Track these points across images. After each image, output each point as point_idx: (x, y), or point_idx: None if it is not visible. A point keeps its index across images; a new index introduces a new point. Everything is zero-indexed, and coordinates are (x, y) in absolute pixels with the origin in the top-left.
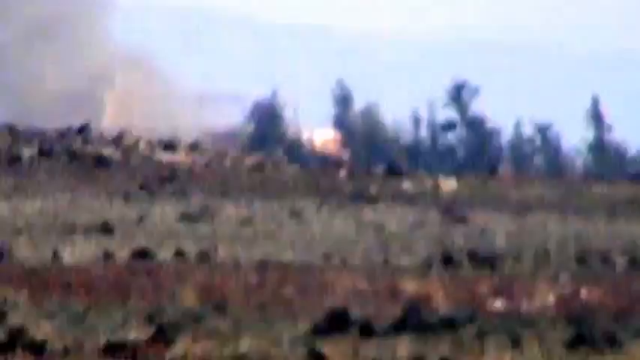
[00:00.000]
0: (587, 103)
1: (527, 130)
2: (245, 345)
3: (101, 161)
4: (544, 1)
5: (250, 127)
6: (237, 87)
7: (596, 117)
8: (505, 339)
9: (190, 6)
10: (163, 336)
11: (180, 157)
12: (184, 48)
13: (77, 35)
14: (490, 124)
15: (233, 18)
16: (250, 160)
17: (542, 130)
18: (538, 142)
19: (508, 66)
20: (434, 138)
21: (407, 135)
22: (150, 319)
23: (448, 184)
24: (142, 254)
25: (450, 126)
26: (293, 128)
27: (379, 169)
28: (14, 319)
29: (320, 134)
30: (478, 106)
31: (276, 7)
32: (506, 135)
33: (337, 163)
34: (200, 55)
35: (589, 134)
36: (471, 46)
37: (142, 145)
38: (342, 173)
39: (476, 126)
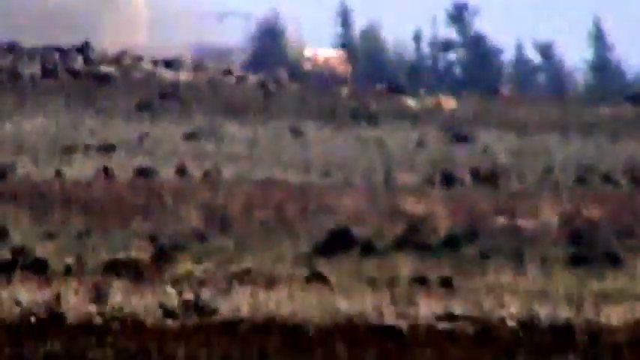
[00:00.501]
0: (589, 22)
1: (529, 50)
2: (247, 264)
3: (102, 80)
4: None
5: (253, 45)
6: (239, 5)
7: (598, 36)
8: (507, 257)
9: None
10: (165, 255)
11: (182, 75)
12: None
13: None
14: (491, 44)
15: None
16: (253, 79)
17: (544, 49)
18: (539, 61)
19: None
20: (435, 56)
21: (409, 53)
22: (152, 238)
23: (449, 103)
24: (144, 172)
25: (449, 46)
26: (295, 47)
27: (381, 87)
28: (16, 238)
29: (322, 52)
30: (479, 25)
31: None
32: (508, 54)
33: (339, 81)
34: None
35: (590, 54)
36: None
37: (143, 64)
38: (344, 91)
39: (477, 45)
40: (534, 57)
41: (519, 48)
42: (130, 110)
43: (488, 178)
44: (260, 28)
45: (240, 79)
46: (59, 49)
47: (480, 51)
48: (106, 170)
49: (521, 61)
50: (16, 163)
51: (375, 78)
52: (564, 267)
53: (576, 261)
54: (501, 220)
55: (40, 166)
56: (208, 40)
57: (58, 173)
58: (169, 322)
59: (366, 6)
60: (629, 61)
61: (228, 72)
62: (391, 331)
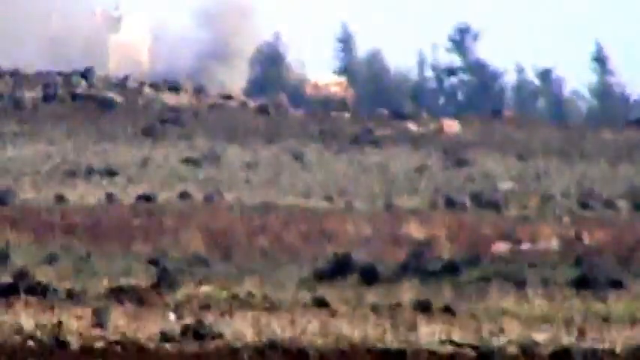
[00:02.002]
0: (588, 47)
1: (530, 74)
2: (249, 288)
3: (104, 104)
4: None
5: (255, 70)
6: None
7: (600, 61)
8: (508, 282)
9: None
10: (166, 279)
11: (184, 99)
12: None
13: None
14: (492, 68)
15: None
16: (254, 104)
17: (544, 74)
18: (540, 85)
19: (509, 8)
20: (438, 81)
21: (411, 77)
22: (153, 263)
23: (451, 126)
24: (146, 197)
25: (452, 71)
26: (296, 72)
27: (383, 111)
28: (17, 262)
29: (324, 77)
30: (480, 50)
31: None
32: (509, 79)
33: (341, 106)
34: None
35: (593, 78)
36: None
37: (145, 89)
38: (346, 116)
39: (478, 69)
40: (535, 81)
41: (520, 72)
42: (131, 135)
43: (489, 202)
44: (262, 53)
45: (242, 104)
46: (61, 74)
47: (481, 75)
48: (107, 195)
49: (521, 85)
50: (18, 187)
51: (377, 102)
52: (566, 291)
53: (578, 284)
54: (503, 245)
55: (41, 191)
56: (210, 66)
57: (60, 198)
58: (170, 346)
59: (368, 32)
60: (632, 85)
61: (229, 97)
62: (393, 356)
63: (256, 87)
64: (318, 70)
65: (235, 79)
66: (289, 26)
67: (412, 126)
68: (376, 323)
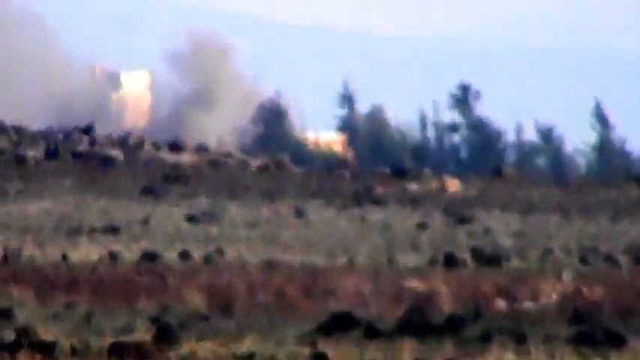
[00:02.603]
0: (586, 104)
1: (530, 132)
2: (249, 345)
3: (106, 162)
4: (543, 3)
5: (255, 129)
6: (240, 87)
7: (600, 118)
8: (509, 338)
9: (192, 5)
10: (168, 336)
11: (186, 157)
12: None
13: None
14: (494, 126)
15: (238, 17)
16: (255, 162)
17: (545, 131)
18: (541, 143)
19: (510, 68)
20: (439, 139)
21: (412, 135)
22: (155, 320)
23: (452, 184)
24: (149, 255)
25: (453, 129)
26: (298, 129)
27: (384, 169)
28: (21, 319)
29: (325, 135)
30: (482, 108)
31: (279, 7)
32: (510, 136)
33: (342, 164)
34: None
35: (593, 135)
36: (473, 46)
37: (147, 146)
38: (347, 174)
39: (480, 127)
40: (536, 139)
41: (521, 130)
42: (133, 192)
43: (490, 259)
44: (262, 110)
45: (243, 162)
46: (63, 132)
47: (482, 133)
48: (110, 252)
49: (522, 143)
50: (21, 245)
51: (378, 160)
52: (567, 347)
53: (579, 341)
54: (503, 301)
55: (45, 248)
56: (211, 122)
57: (64, 255)
58: None
59: (369, 89)
60: (633, 142)
61: (229, 155)
62: None
63: (258, 145)
64: (319, 126)
65: (217, 126)
66: (290, 82)
67: (413, 184)
68: None
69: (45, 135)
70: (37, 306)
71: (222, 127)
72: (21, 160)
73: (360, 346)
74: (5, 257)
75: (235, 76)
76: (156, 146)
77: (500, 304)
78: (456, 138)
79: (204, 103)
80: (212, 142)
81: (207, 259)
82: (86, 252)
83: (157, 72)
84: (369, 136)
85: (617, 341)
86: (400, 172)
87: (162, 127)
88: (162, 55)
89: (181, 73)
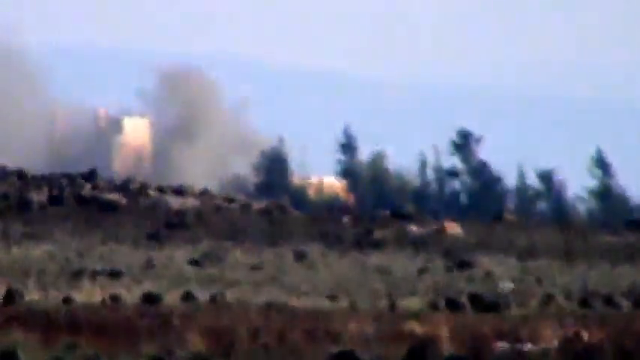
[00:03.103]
0: (587, 150)
1: (531, 177)
2: None
3: (109, 207)
4: (544, 50)
5: (257, 174)
6: (244, 133)
7: (602, 165)
8: None
9: (194, 50)
10: None
11: (189, 202)
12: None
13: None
14: (494, 171)
15: (239, 62)
16: (258, 206)
17: (545, 176)
18: (541, 188)
19: (510, 114)
20: (440, 183)
21: (412, 179)
22: None
23: (453, 229)
24: (151, 298)
25: (453, 174)
26: (299, 175)
27: (385, 214)
28: None
29: (326, 180)
30: (482, 153)
31: (281, 52)
32: (511, 181)
33: (343, 209)
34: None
35: (593, 181)
36: (472, 93)
37: (150, 191)
38: (347, 218)
39: (480, 172)
40: (536, 184)
41: (521, 175)
42: (137, 236)
43: (490, 303)
44: (265, 156)
45: (245, 206)
46: (67, 176)
47: (483, 178)
48: (112, 295)
49: (523, 187)
50: (24, 287)
51: (379, 204)
52: None
53: None
54: (503, 344)
55: (48, 291)
56: (214, 167)
57: (66, 299)
58: None
59: (370, 134)
60: (632, 188)
61: (232, 200)
62: None
63: (261, 189)
64: (321, 171)
65: (200, 160)
66: (293, 128)
67: (413, 228)
68: None
69: (49, 180)
70: (40, 348)
71: (205, 161)
72: (25, 205)
73: None
74: (8, 299)
75: (216, 110)
76: (159, 190)
77: (501, 346)
78: (457, 183)
79: (187, 138)
80: (196, 175)
81: (210, 302)
82: (89, 295)
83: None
84: (370, 181)
85: None
86: (400, 217)
87: (151, 167)
88: (140, 93)
89: (161, 110)
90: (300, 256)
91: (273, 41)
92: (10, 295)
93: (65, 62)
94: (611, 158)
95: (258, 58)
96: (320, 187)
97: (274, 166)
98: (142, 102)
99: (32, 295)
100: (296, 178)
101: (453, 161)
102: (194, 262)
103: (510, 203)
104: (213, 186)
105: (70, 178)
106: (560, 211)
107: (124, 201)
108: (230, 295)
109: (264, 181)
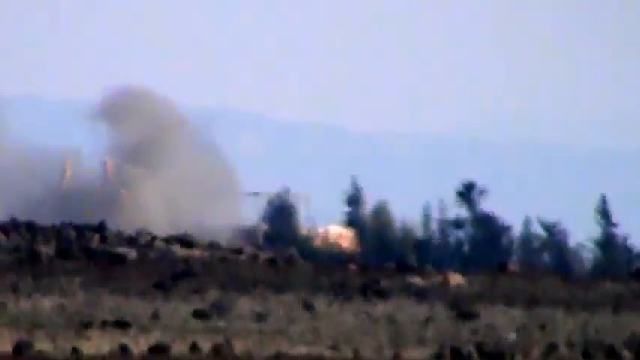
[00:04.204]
0: (589, 200)
1: (536, 228)
2: None
3: (118, 259)
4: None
5: (264, 225)
6: (250, 185)
7: (604, 214)
8: None
9: (200, 104)
10: None
11: (195, 253)
12: (195, 146)
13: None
14: (499, 221)
15: (244, 116)
16: (264, 256)
17: (549, 227)
18: (545, 238)
19: (515, 164)
20: (444, 234)
21: (417, 230)
22: None
23: (457, 279)
24: (158, 348)
25: (458, 225)
26: (306, 225)
27: (390, 264)
28: None
29: (332, 231)
30: (487, 204)
31: (286, 106)
32: (516, 231)
33: (349, 259)
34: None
35: (597, 231)
36: (476, 144)
37: (158, 242)
38: (353, 268)
39: (485, 223)
40: (540, 234)
41: (526, 225)
42: (144, 288)
43: (494, 352)
44: (271, 207)
45: (252, 257)
46: (76, 228)
47: (487, 229)
48: (121, 346)
49: (527, 238)
50: (32, 339)
51: (384, 254)
52: None
53: None
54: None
55: (56, 342)
56: (221, 219)
57: (75, 350)
58: None
59: (375, 185)
60: (635, 237)
61: (239, 250)
62: None
63: (268, 239)
64: (327, 221)
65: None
66: (301, 179)
67: (417, 279)
68: None
69: (58, 232)
70: None
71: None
72: (34, 257)
73: None
74: (17, 351)
75: (177, 124)
76: (167, 242)
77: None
78: (461, 233)
79: (152, 155)
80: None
81: (216, 352)
82: (97, 345)
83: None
84: (375, 232)
85: None
86: (405, 267)
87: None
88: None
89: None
90: (306, 306)
91: (273, 95)
92: (19, 347)
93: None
94: (617, 208)
95: (259, 112)
96: (326, 237)
97: (281, 216)
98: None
99: (41, 345)
100: (302, 228)
101: (458, 212)
102: (201, 313)
103: (514, 254)
104: (223, 236)
105: (79, 230)
106: (563, 260)
107: (133, 254)
108: (236, 346)
109: (272, 232)
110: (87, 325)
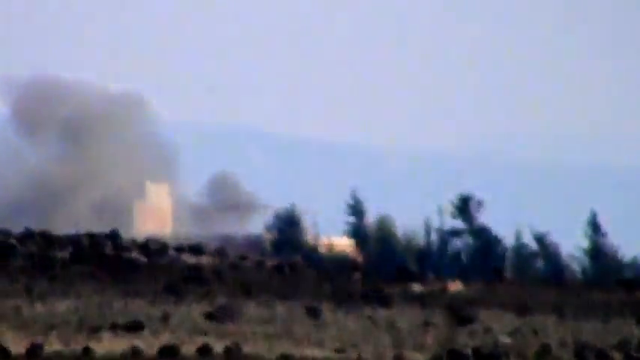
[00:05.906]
0: (580, 213)
1: (528, 239)
2: None
3: (130, 265)
4: (541, 116)
5: (271, 235)
6: (256, 198)
7: (594, 227)
8: None
9: (207, 121)
10: None
11: (205, 260)
12: (200, 162)
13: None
14: (493, 233)
15: (250, 132)
16: (270, 264)
17: (541, 237)
18: (538, 248)
19: (510, 176)
20: (443, 244)
21: (418, 240)
22: None
23: (455, 287)
24: (169, 350)
25: (455, 234)
26: (311, 236)
27: (391, 272)
28: None
29: (336, 241)
30: (483, 216)
31: (291, 122)
32: (509, 242)
33: (352, 267)
34: (217, 168)
35: (586, 242)
36: (474, 156)
37: (169, 250)
38: (357, 276)
39: (481, 234)
40: (532, 244)
41: (519, 236)
42: (155, 293)
43: (490, 356)
44: (278, 219)
45: (259, 264)
46: (90, 236)
47: (483, 240)
48: (132, 348)
49: (520, 248)
50: (46, 341)
51: (385, 263)
52: None
53: None
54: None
55: (69, 344)
56: (230, 229)
57: (87, 351)
58: None
59: (377, 197)
60: (624, 248)
61: (245, 258)
62: None
63: (274, 250)
64: (331, 232)
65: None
66: (306, 192)
67: (418, 286)
68: None
69: (72, 239)
70: None
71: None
72: (49, 262)
73: None
74: (31, 353)
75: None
76: (177, 250)
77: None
78: (458, 243)
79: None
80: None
81: (225, 354)
82: (109, 347)
83: None
84: (377, 242)
85: None
86: (406, 275)
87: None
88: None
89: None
90: (310, 312)
91: (275, 111)
92: (33, 349)
93: None
94: (604, 220)
95: (261, 127)
96: (331, 246)
97: (288, 226)
98: None
99: (54, 347)
100: (307, 239)
101: (455, 223)
102: (210, 316)
103: (508, 263)
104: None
105: (93, 238)
106: (555, 270)
107: (144, 260)
108: (244, 348)
109: (278, 240)
110: (99, 327)
